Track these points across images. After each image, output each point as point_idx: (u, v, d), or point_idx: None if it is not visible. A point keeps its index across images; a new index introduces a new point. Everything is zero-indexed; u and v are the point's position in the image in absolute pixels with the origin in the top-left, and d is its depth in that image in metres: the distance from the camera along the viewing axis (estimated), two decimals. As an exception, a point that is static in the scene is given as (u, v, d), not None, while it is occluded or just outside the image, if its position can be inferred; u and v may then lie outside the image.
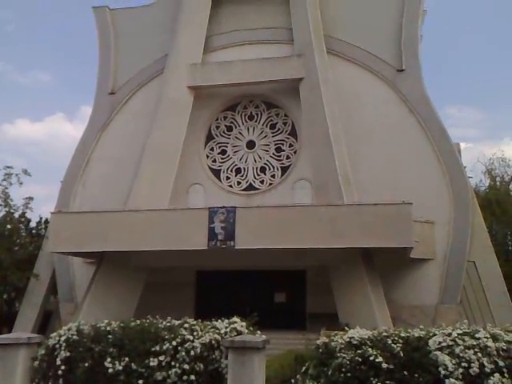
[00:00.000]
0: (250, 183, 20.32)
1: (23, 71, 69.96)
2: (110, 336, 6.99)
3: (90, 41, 22.63)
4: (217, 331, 6.88)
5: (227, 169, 20.60)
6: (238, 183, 20.39)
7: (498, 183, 26.93)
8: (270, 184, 20.08)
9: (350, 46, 20.15)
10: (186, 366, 6.57)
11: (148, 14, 21.93)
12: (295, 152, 20.22)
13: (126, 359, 6.72)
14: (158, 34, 21.26)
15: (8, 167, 19.91)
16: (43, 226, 22.68)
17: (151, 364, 6.63)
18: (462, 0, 63.19)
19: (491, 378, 5.60)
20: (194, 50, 20.71)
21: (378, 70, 19.74)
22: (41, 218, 23.06)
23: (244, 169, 20.49)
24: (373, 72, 19.82)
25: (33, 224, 22.74)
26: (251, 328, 7.12)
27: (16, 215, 20.42)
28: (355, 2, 20.50)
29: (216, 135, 21.04)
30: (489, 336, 5.99)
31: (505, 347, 5.85)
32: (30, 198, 20.34)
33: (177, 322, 7.17)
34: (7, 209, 19.93)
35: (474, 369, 5.69)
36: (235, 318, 7.14)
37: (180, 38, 20.54)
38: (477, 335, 5.99)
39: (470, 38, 61.48)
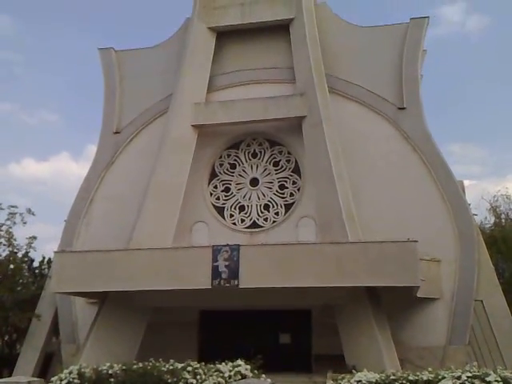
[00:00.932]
0: (254, 221, 20.27)
1: (30, 111, 71.21)
2: (111, 379, 6.85)
3: (96, 81, 23.02)
4: (221, 375, 6.76)
5: (231, 206, 20.60)
6: (242, 221, 20.35)
7: (503, 220, 26.86)
8: (274, 221, 20.02)
9: (351, 84, 20.45)
10: (189, 412, 6.42)
11: (153, 55, 22.39)
12: (299, 189, 20.26)
13: (128, 404, 6.57)
14: (162, 74, 21.67)
15: (12, 206, 20.02)
16: (46, 266, 22.60)
17: (153, 409, 6.48)
18: (463, 40, 64.45)
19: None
20: (198, 89, 21.06)
21: (379, 108, 19.97)
22: (44, 258, 23.03)
23: (248, 206, 20.48)
24: (374, 110, 20.05)
25: (36, 264, 22.70)
26: (256, 371, 6.97)
27: (19, 255, 20.40)
28: (355, 42, 20.90)
29: (220, 173, 21.15)
30: (499, 379, 5.84)
31: (517, 391, 5.70)
32: (34, 238, 20.36)
33: (179, 365, 7.05)
34: (10, 248, 19.92)
35: (486, 414, 5.52)
36: (239, 361, 7.01)
37: (184, 78, 20.92)
38: (487, 378, 5.85)
39: (471, 76, 62.47)
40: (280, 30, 21.20)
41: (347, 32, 21.06)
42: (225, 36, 21.72)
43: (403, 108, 19.60)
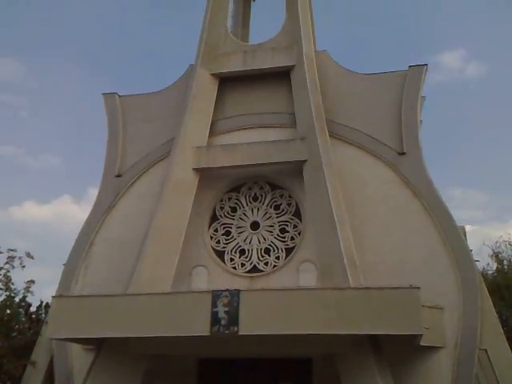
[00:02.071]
0: (255, 265, 20.07)
1: (34, 154, 71.72)
2: None
3: (99, 124, 23.37)
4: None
5: (231, 250, 20.44)
6: (242, 265, 20.16)
7: (505, 267, 26.62)
8: (275, 266, 19.83)
9: (352, 129, 20.65)
10: None
11: (156, 100, 22.79)
12: (299, 233, 20.15)
13: None
14: (165, 119, 21.99)
15: (11, 250, 19.89)
16: (43, 311, 22.26)
17: None
18: (462, 86, 65.55)
19: None
20: (200, 133, 21.31)
21: (379, 153, 20.10)
22: (41, 302, 22.71)
23: (248, 250, 20.33)
24: (374, 155, 20.17)
25: (33, 308, 22.36)
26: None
27: (16, 299, 20.14)
28: (355, 88, 21.25)
29: (220, 216, 21.12)
30: None
31: None
32: (32, 282, 20.14)
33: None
34: (8, 293, 19.68)
35: None
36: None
37: (186, 122, 21.19)
38: None
39: (471, 121, 63.15)
40: (281, 76, 21.61)
41: (347, 79, 21.43)
42: (227, 82, 22.14)
43: (403, 153, 19.72)
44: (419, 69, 20.50)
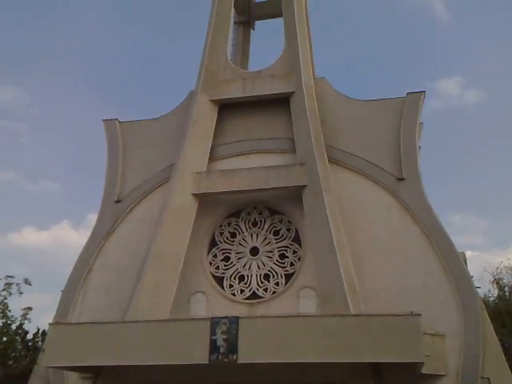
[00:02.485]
0: (254, 291, 19.89)
1: (33, 180, 71.81)
2: None
3: (99, 150, 23.49)
4: None
5: (230, 276, 20.29)
6: (242, 291, 19.98)
7: (506, 293, 26.41)
8: (274, 292, 19.65)
9: (351, 155, 20.75)
10: None
11: (156, 126, 22.95)
12: (299, 259, 20.04)
13: None
14: (165, 144, 22.11)
15: (9, 276, 19.78)
16: (40, 338, 22.00)
17: None
18: (460, 112, 66.07)
19: None
20: (200, 159, 21.39)
21: (378, 179, 20.15)
22: (38, 330, 22.45)
23: (247, 276, 20.18)
24: (373, 180, 20.22)
25: (30, 336, 22.11)
26: None
27: (13, 326, 19.93)
28: (354, 115, 21.42)
29: (219, 241, 21.03)
30: None
31: None
32: (29, 309, 20.03)
33: None
34: (4, 320, 19.50)
35: None
36: None
37: (186, 148, 21.30)
38: None
39: (470, 147, 63.40)
40: (280, 102, 21.79)
41: (346, 105, 21.64)
42: (227, 108, 22.33)
43: (402, 179, 19.78)
44: (417, 95, 20.73)
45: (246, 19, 26.85)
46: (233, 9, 24.27)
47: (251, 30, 27.19)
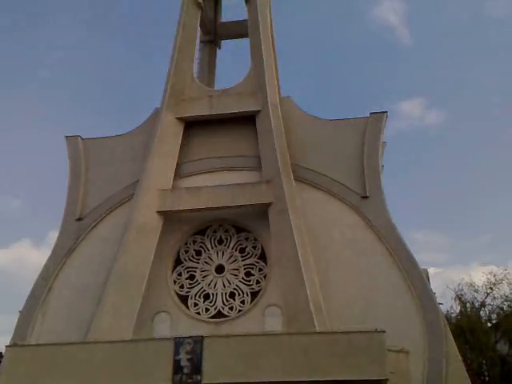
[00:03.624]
0: (219, 310, 19.69)
1: (-7, 197, 69.40)
2: None
3: (63, 166, 22.89)
4: None
5: (195, 295, 20.03)
6: (207, 310, 19.73)
7: (468, 309, 26.97)
8: (240, 310, 19.49)
9: (316, 173, 21.00)
10: None
11: (120, 143, 22.64)
12: (265, 276, 19.98)
13: None
14: (129, 161, 21.84)
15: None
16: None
17: None
18: (422, 132, 67.95)
19: None
20: (165, 176, 21.21)
21: (343, 197, 20.43)
22: (-6, 353, 21.48)
23: (213, 294, 19.96)
24: (339, 198, 20.49)
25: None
26: None
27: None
28: (319, 134, 21.73)
29: (184, 259, 20.78)
30: None
31: None
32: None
33: None
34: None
35: None
36: None
37: (151, 165, 21.09)
38: None
39: (432, 166, 65.14)
40: (246, 120, 21.93)
41: (311, 124, 21.94)
42: (193, 125, 22.32)
43: (366, 197, 20.10)
44: (380, 116, 21.23)
45: (212, 38, 27.02)
46: (199, 28, 24.43)
47: (217, 49, 27.37)
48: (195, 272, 20.47)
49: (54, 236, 21.85)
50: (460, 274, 62.29)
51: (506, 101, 62.04)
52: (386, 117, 21.33)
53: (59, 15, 62.64)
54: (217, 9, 27.38)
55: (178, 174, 21.55)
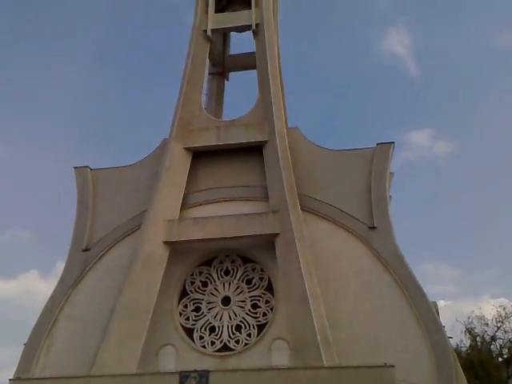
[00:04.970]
0: (225, 343, 19.40)
1: (2, 228, 69.68)
2: None
3: (72, 197, 23.02)
4: None
5: (201, 327, 19.78)
6: (212, 343, 19.44)
7: (478, 343, 26.40)
8: (246, 344, 19.19)
9: (323, 203, 20.90)
10: None
11: (128, 173, 22.76)
12: (272, 309, 19.72)
13: None
14: (136, 192, 21.89)
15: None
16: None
17: None
18: (430, 162, 67.78)
19: None
20: (172, 206, 21.21)
21: (350, 227, 20.26)
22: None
23: (219, 327, 19.70)
24: (346, 229, 20.33)
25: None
26: None
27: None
28: (326, 164, 21.73)
29: (190, 291, 20.60)
30: None
31: None
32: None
33: None
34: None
35: None
36: None
37: (159, 196, 21.12)
38: None
39: (441, 197, 64.70)
40: (253, 150, 21.99)
41: (318, 154, 21.95)
42: (201, 156, 22.40)
43: (374, 227, 19.93)
44: (387, 146, 21.20)
45: (221, 70, 27.41)
46: (208, 60, 24.80)
47: (225, 81, 27.72)
48: (201, 304, 20.26)
49: (61, 266, 21.84)
50: (470, 306, 61.09)
51: (514, 131, 61.89)
52: (393, 147, 21.31)
53: (68, 45, 63.73)
54: (225, 42, 27.89)
55: (185, 205, 21.53)
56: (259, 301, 20.06)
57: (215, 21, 24.32)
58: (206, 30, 24.04)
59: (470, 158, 64.40)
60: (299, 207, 20.46)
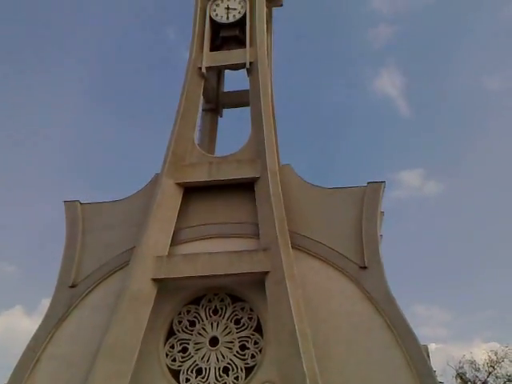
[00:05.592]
0: (212, 386, 18.85)
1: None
2: None
3: (60, 231, 22.78)
4: None
5: (187, 369, 19.23)
6: (199, 386, 18.90)
7: (469, 389, 25.86)
8: (234, 387, 18.65)
9: (314, 242, 20.67)
10: None
11: (118, 208, 22.56)
12: (260, 350, 19.26)
13: None
14: (126, 227, 21.65)
15: None
16: None
17: None
18: (421, 202, 67.88)
19: None
20: (161, 243, 20.95)
21: (341, 266, 20.00)
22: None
23: (206, 369, 19.16)
24: (337, 268, 20.06)
25: None
26: None
27: None
28: (317, 202, 21.62)
29: (178, 331, 20.12)
30: None
31: None
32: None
33: None
34: None
35: None
36: None
37: (148, 231, 20.88)
38: None
39: (432, 236, 64.40)
40: (245, 187, 21.85)
41: (309, 192, 21.85)
42: (192, 191, 22.26)
43: (365, 267, 19.68)
44: (378, 185, 21.13)
45: (214, 107, 27.59)
46: (202, 97, 24.98)
47: (219, 117, 27.88)
48: (188, 344, 19.76)
49: (46, 303, 21.38)
50: (461, 350, 60.25)
51: (505, 172, 62.15)
52: (384, 187, 21.25)
53: (61, 79, 64.21)
54: (220, 79, 28.17)
55: (175, 241, 21.26)
56: (248, 342, 19.60)
57: (210, 59, 24.62)
58: (200, 68, 24.29)
59: (461, 198, 64.67)
60: (290, 245, 20.24)
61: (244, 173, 22.07)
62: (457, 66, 65.99)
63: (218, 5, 25.43)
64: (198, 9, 25.44)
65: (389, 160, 65.88)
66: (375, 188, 21.03)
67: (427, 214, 65.13)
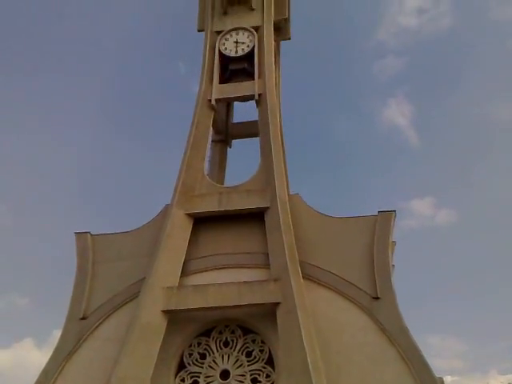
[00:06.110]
0: (223, 421, 18.48)
1: (0, 295, 68.52)
2: None
3: (71, 262, 22.81)
4: None
5: (198, 404, 18.95)
6: (210, 421, 18.54)
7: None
8: (245, 423, 18.26)
9: (325, 271, 20.52)
10: None
11: (129, 239, 22.63)
12: (273, 383, 18.91)
13: None
14: (136, 258, 21.68)
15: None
16: None
17: None
18: (432, 231, 67.37)
19: None
20: (172, 273, 20.89)
21: (353, 297, 19.79)
22: None
23: (216, 404, 18.86)
24: (349, 298, 19.85)
25: None
26: None
27: None
28: (328, 231, 21.53)
29: (188, 363, 19.86)
30: None
31: None
32: None
33: None
34: None
35: None
36: None
37: (158, 262, 20.86)
38: None
39: (446, 267, 63.68)
40: (255, 217, 21.87)
41: (320, 221, 21.79)
42: (202, 222, 22.28)
43: (377, 298, 19.46)
44: (388, 214, 21.05)
45: (224, 138, 27.92)
46: (211, 128, 25.28)
47: (228, 148, 28.16)
48: (199, 378, 19.46)
49: (57, 334, 21.23)
50: (477, 382, 58.47)
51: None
52: (395, 216, 21.17)
53: (69, 108, 65.25)
54: (229, 110, 28.60)
55: (185, 271, 21.20)
56: (259, 375, 19.28)
57: (219, 91, 25.02)
58: (210, 100, 24.68)
59: (473, 227, 63.97)
60: (301, 275, 20.08)
61: (254, 202, 22.12)
62: (465, 95, 66.60)
63: (227, 39, 26.01)
64: (208, 43, 26.02)
65: (399, 189, 65.87)
66: (386, 217, 20.94)
67: (440, 243, 64.49)
